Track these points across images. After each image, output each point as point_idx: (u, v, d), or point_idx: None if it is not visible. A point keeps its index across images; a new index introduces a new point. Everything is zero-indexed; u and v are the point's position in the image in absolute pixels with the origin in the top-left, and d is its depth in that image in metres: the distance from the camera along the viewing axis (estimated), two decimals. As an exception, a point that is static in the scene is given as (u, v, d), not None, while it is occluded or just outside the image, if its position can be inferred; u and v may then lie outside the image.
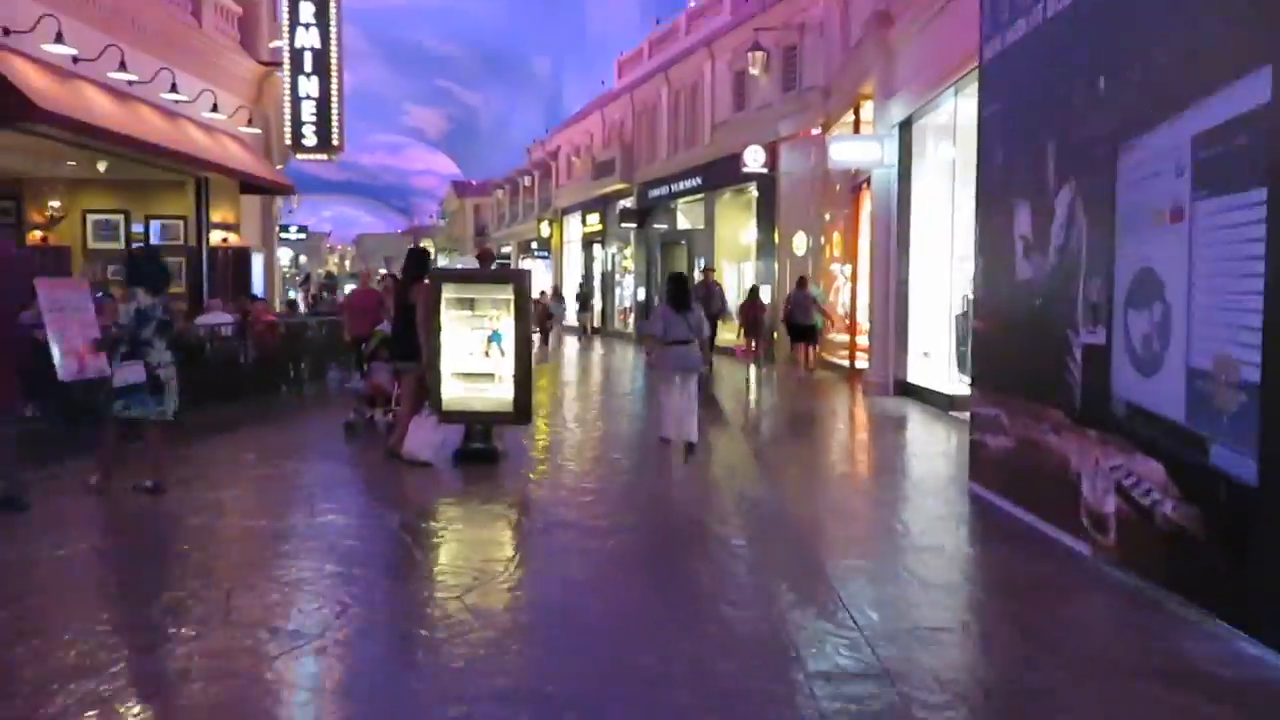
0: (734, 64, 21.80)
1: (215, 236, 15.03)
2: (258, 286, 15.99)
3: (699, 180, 23.61)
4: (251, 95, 16.35)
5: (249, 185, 15.63)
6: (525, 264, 42.30)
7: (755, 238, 21.29)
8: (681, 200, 25.20)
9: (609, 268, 31.06)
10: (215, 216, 14.98)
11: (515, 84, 44.77)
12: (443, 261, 70.48)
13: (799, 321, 16.01)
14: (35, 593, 4.70)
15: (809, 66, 18.95)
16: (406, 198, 79.00)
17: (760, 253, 20.81)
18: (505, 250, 45.39)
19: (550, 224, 35.73)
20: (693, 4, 25.16)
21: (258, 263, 16.61)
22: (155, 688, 3.57)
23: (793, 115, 18.96)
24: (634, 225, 27.47)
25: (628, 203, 28.38)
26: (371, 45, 42.60)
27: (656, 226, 26.87)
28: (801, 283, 16.34)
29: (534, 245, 38.14)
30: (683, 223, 25.74)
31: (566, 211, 35.31)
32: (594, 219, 31.75)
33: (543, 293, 27.79)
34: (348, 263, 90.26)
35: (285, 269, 38.14)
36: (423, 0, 38.00)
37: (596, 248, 32.36)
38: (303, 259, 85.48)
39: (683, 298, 8.48)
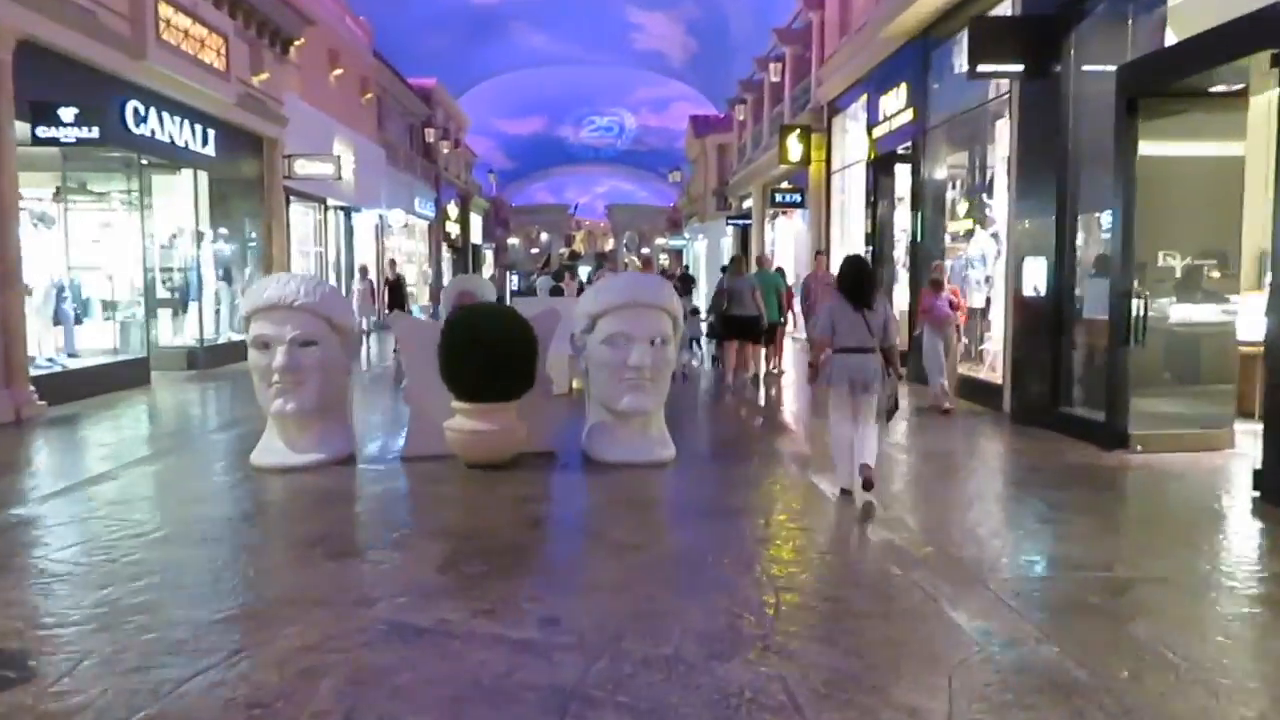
0: None
1: None
2: None
3: None
4: None
5: None
6: (772, 226, 24.52)
7: None
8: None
9: (923, 218, 12.77)
10: None
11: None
12: (684, 236, 54.52)
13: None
14: None
15: None
16: (679, 164, 64.17)
17: None
18: (746, 204, 27.89)
19: (801, 136, 17.83)
20: None
21: None
22: None
23: None
24: (1014, 69, 9.08)
25: (1002, 9, 10.08)
26: None
27: (1094, 71, 8.47)
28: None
29: (782, 188, 20.40)
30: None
31: (838, 106, 17.29)
32: (894, 101, 13.54)
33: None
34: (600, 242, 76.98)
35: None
36: None
37: (901, 173, 14.18)
38: (544, 235, 73.67)
39: (861, 290, 6.21)
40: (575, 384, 10.31)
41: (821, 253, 15.35)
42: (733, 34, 38.09)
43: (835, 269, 11.83)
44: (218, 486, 6.53)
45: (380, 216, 25.85)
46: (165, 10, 12.34)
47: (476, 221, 45.44)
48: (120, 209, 12.98)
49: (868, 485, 5.99)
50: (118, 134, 11.73)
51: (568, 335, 7.90)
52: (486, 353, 6.78)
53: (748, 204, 27.46)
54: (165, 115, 12.89)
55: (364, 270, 15.45)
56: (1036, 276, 9.18)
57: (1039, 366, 9.17)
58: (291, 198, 18.45)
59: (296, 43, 18.13)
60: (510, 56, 44.96)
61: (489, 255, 55.99)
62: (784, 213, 22.62)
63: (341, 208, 22.25)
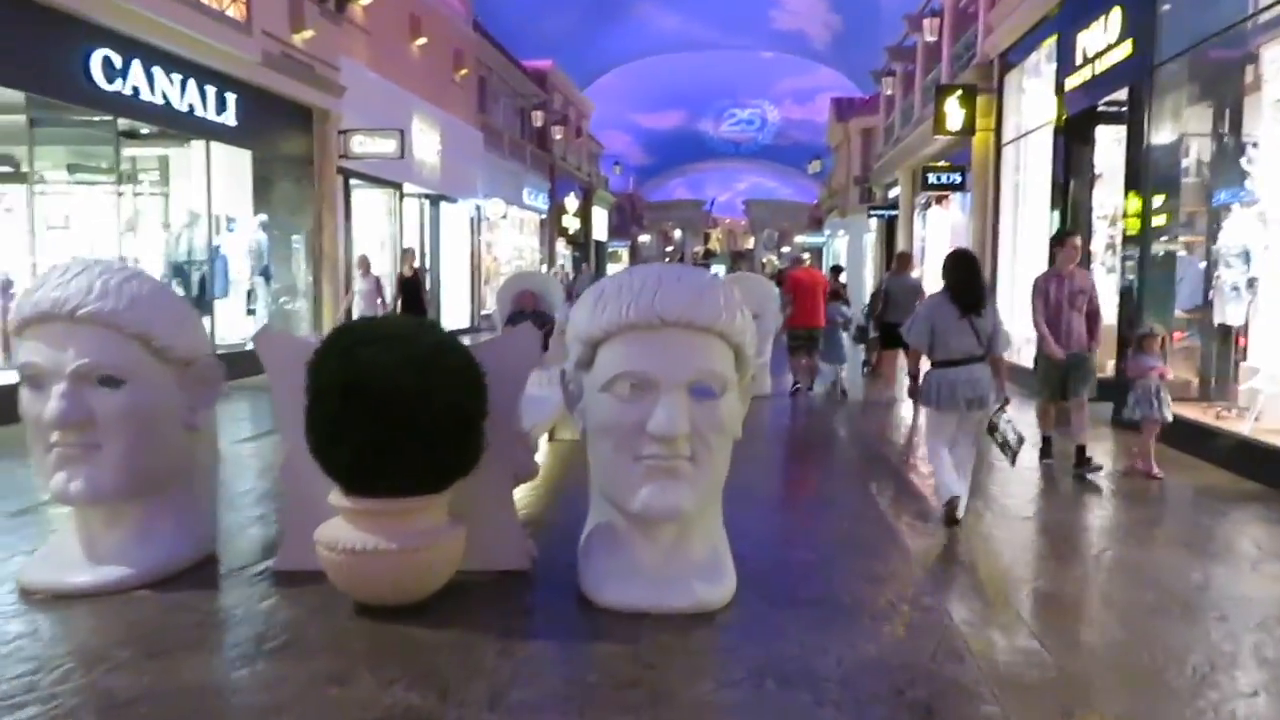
0: None
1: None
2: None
3: None
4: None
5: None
6: (922, 219, 20.63)
7: None
8: None
9: (1145, 196, 8.93)
10: None
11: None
12: (824, 233, 49.92)
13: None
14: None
15: None
16: (825, 158, 60.14)
17: None
18: (892, 194, 23.95)
19: (964, 99, 14.07)
20: None
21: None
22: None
23: None
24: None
25: None
26: None
27: None
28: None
29: (937, 167, 16.59)
30: None
31: (1011, 60, 13.47)
32: (1100, 36, 9.74)
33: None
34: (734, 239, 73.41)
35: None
36: None
37: (1104, 138, 10.36)
38: (677, 232, 70.41)
39: (974, 293, 5.36)
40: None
41: (1073, 235, 7.46)
42: (882, 4, 33.94)
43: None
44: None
45: (477, 207, 23.40)
46: (150, -63, 9.93)
47: (601, 216, 42.84)
48: (109, 187, 10.71)
49: (952, 520, 5.27)
50: (76, 90, 9.37)
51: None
52: (378, 411, 3.70)
53: (894, 193, 23.55)
54: (156, 71, 10.50)
55: (365, 263, 12.77)
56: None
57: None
58: (354, 181, 16.05)
59: (360, 1, 15.71)
60: (640, 41, 42.15)
61: (623, 253, 53.40)
62: (938, 200, 18.74)
63: (427, 196, 19.84)
